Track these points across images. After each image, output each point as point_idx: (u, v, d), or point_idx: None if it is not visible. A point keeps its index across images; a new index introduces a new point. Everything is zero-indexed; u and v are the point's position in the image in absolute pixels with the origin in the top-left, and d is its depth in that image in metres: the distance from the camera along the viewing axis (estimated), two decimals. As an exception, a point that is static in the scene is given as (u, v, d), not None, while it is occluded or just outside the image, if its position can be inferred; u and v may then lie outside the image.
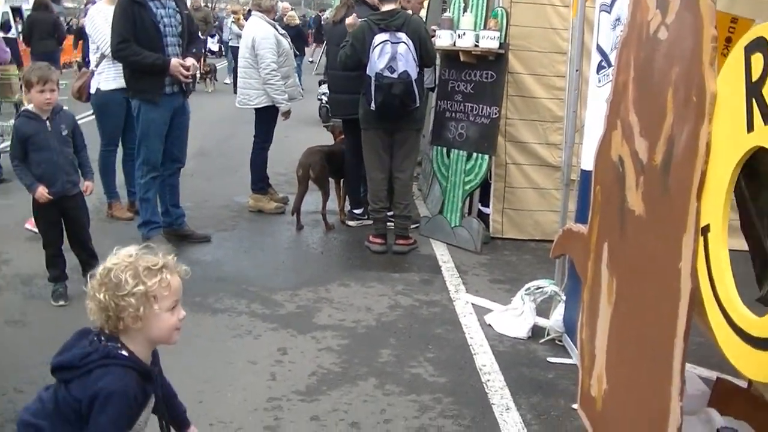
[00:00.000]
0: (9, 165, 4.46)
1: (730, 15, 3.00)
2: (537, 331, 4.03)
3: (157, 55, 4.92)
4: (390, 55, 4.98)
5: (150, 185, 5.19)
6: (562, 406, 3.29)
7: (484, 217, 5.77)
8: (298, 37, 14.18)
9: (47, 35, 11.83)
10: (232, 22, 15.42)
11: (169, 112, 5.14)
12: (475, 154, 5.52)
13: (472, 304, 4.49)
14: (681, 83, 2.04)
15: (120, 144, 6.06)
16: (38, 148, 4.06)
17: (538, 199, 5.66)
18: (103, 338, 1.87)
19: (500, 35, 5.24)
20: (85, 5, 13.85)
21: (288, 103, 6.26)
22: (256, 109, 6.32)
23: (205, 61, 15.35)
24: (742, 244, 2.57)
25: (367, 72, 5.05)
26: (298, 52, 11.08)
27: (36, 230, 4.57)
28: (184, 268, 1.97)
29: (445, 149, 5.79)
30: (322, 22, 19.12)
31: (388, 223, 5.55)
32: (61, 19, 14.94)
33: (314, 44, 21.62)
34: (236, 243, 5.59)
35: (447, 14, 5.67)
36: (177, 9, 5.12)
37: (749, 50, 1.73)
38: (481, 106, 5.50)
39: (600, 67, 3.55)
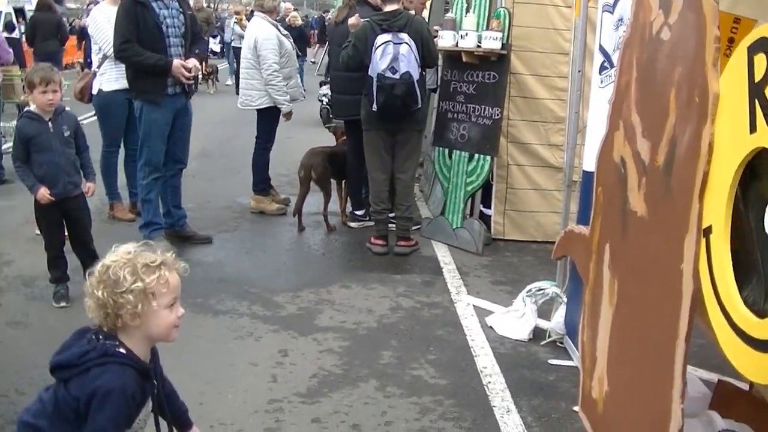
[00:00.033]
0: (11, 166, 4.46)
1: (733, 15, 2.98)
2: (538, 333, 4.02)
3: (159, 56, 4.91)
4: (392, 55, 4.97)
5: (152, 186, 5.18)
6: (563, 409, 3.28)
7: (485, 219, 5.76)
8: (301, 38, 14.20)
9: (50, 36, 11.83)
10: (235, 22, 15.44)
11: (172, 113, 5.14)
12: (477, 155, 5.51)
13: (474, 305, 4.48)
14: (684, 84, 2.04)
15: (122, 145, 6.06)
16: (40, 149, 4.05)
17: (539, 201, 5.65)
18: (101, 336, 1.87)
19: (503, 36, 5.23)
20: (88, 6, 13.89)
21: (290, 104, 6.26)
22: (258, 110, 6.32)
23: (207, 62, 15.36)
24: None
25: (369, 73, 5.04)
26: (300, 53, 11.07)
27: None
28: (183, 265, 1.97)
29: (446, 150, 5.78)
30: (326, 23, 19.12)
31: (390, 225, 5.54)
32: (64, 19, 14.96)
33: (317, 45, 21.61)
34: (238, 244, 5.59)
35: (449, 15, 5.67)
36: (180, 9, 5.11)
37: (752, 51, 1.72)
38: (483, 107, 5.49)
39: (602, 68, 3.54)
